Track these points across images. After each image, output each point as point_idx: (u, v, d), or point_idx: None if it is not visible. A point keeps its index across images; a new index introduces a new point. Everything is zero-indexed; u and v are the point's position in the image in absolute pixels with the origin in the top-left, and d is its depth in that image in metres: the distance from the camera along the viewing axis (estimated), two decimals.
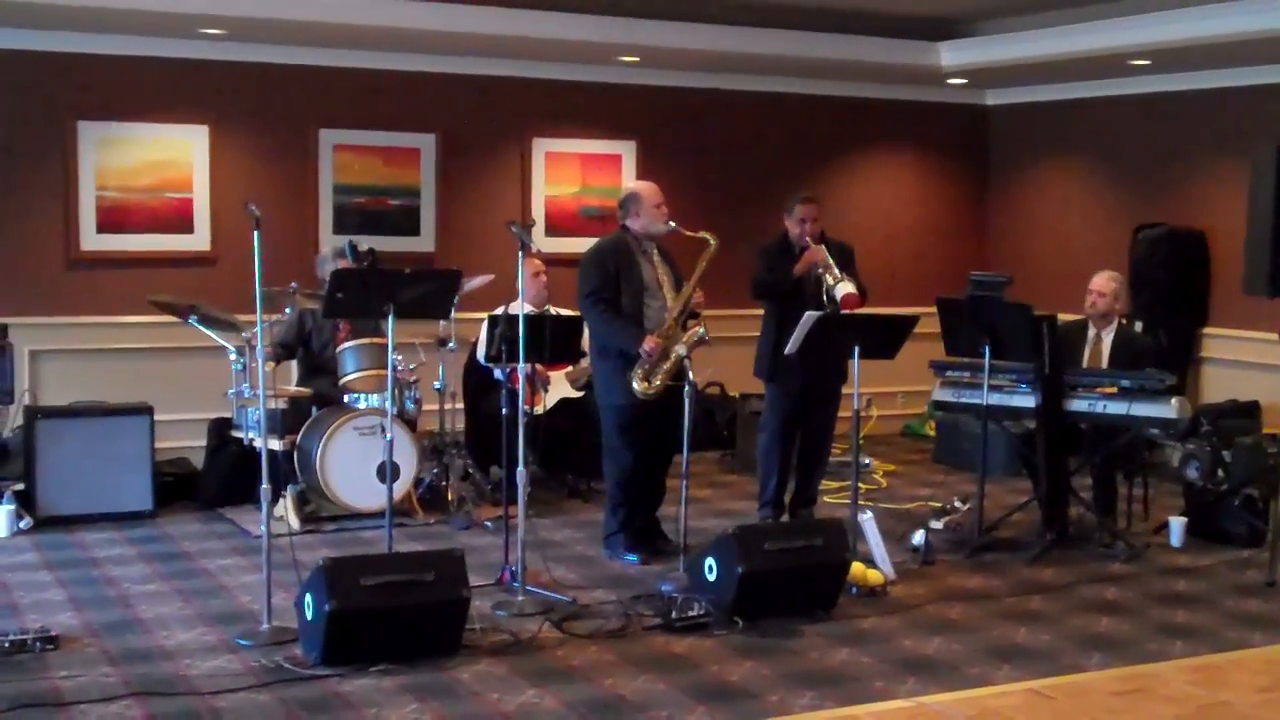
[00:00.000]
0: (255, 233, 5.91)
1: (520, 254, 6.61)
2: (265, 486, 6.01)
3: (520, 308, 6.75)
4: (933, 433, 11.02)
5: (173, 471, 8.65)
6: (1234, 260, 9.57)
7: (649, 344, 7.07)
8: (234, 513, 8.26)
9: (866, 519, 7.07)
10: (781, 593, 6.35)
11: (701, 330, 7.15)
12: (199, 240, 9.45)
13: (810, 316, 7.10)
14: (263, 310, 6.18)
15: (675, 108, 10.72)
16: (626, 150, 10.58)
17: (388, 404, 6.65)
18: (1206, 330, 10.03)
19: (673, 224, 7.30)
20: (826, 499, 8.59)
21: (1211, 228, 9.92)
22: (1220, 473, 8.94)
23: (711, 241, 7.23)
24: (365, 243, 8.78)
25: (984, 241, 11.90)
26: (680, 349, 7.00)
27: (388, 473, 6.47)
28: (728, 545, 6.33)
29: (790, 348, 7.19)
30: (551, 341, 6.99)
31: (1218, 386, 9.85)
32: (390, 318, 6.26)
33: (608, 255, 7.27)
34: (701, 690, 5.50)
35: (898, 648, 6.06)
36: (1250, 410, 9.49)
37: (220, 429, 8.49)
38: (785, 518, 8.02)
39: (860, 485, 9.03)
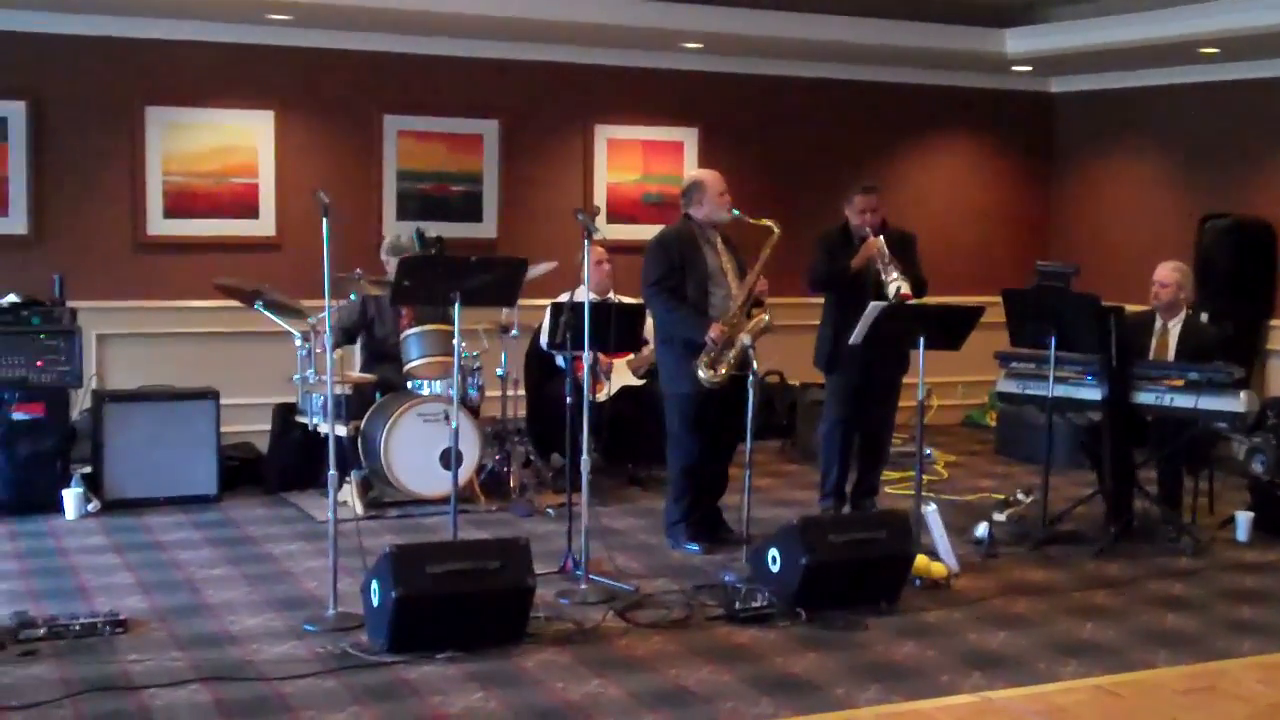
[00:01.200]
0: (324, 220, 5.94)
1: (586, 242, 6.60)
2: (333, 473, 6.04)
3: (585, 295, 6.74)
4: (994, 424, 10.97)
5: (237, 455, 8.72)
6: None
7: (714, 332, 7.05)
8: (298, 498, 8.32)
9: (930, 511, 7.03)
10: (845, 585, 6.33)
11: (766, 318, 7.13)
12: (264, 226, 9.52)
13: (875, 306, 7.07)
14: (329, 296, 6.20)
15: (737, 94, 10.70)
16: (689, 137, 10.56)
17: (453, 391, 6.65)
18: (1274, 322, 9.92)
19: (736, 211, 7.28)
20: (888, 490, 8.55)
21: (1279, 218, 9.81)
22: None
23: (775, 229, 7.20)
24: (430, 229, 8.86)
25: (1047, 230, 11.81)
26: (745, 338, 6.97)
27: (453, 460, 6.48)
28: (792, 536, 6.32)
29: (855, 338, 7.16)
30: (615, 329, 7.00)
31: None
32: (457, 305, 6.29)
33: (672, 244, 7.26)
34: (766, 682, 5.50)
35: (962, 641, 6.02)
36: None
37: (285, 414, 8.54)
38: (847, 508, 7.99)
39: (922, 476, 9.07)
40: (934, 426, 10.96)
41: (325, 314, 7.90)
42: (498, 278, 6.46)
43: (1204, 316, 9.29)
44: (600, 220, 9.97)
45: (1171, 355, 7.90)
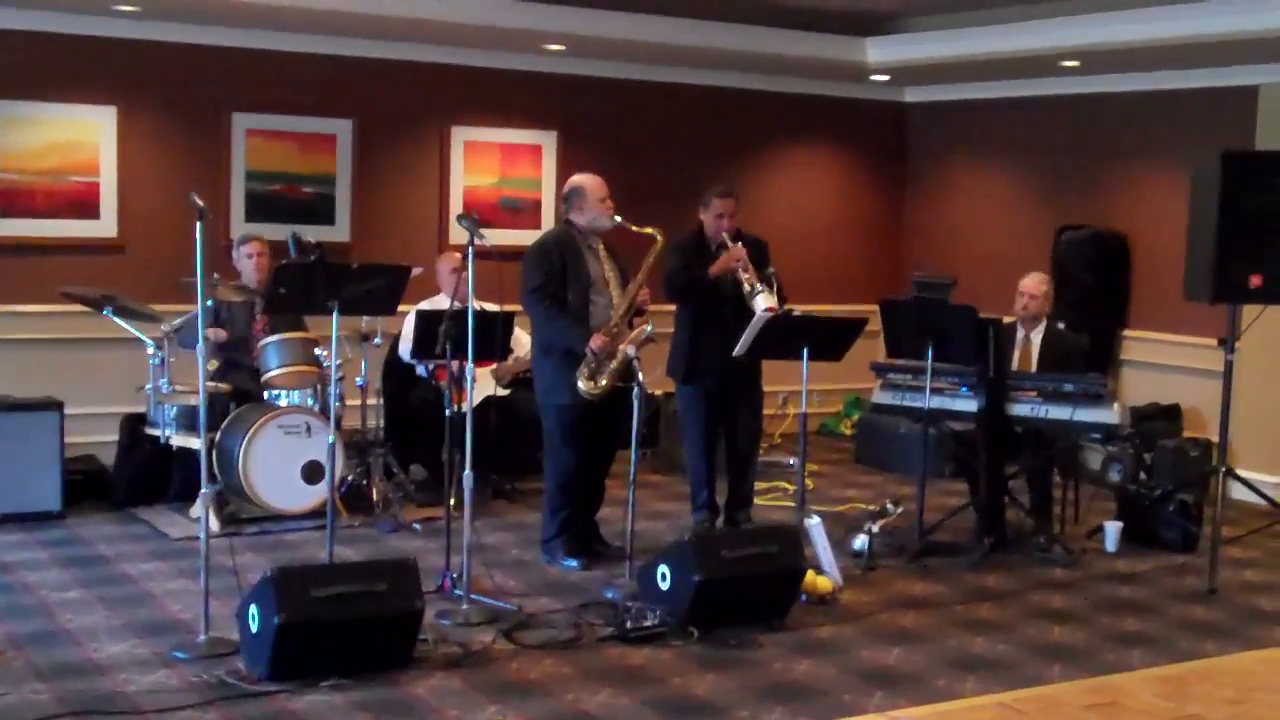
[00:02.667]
0: (199, 224, 5.58)
1: (470, 248, 6.36)
2: (206, 490, 5.74)
3: (469, 303, 6.48)
4: (850, 432, 10.97)
5: (80, 469, 8.25)
6: (1155, 263, 9.70)
7: (596, 343, 6.85)
8: (148, 513, 7.90)
9: (814, 524, 6.93)
10: (737, 601, 6.20)
11: (649, 328, 6.94)
12: (105, 227, 9.02)
13: (761, 317, 6.97)
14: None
15: (598, 98, 10.51)
16: (547, 140, 10.34)
17: (331, 403, 6.44)
18: (1127, 332, 10.06)
19: (618, 218, 7.11)
20: (757, 501, 8.40)
21: (1133, 230, 9.95)
22: (1143, 475, 8.98)
23: (658, 237, 7.06)
24: (270, 231, 8.50)
25: (902, 239, 11.84)
26: (629, 349, 6.77)
27: (329, 476, 6.23)
28: (683, 552, 6.17)
29: (740, 349, 7.04)
30: (500, 338, 6.81)
31: (1137, 388, 9.87)
32: (335, 315, 6.01)
33: (552, 249, 7.05)
34: (667, 706, 5.34)
35: (858, 658, 5.94)
36: (1172, 413, 9.54)
37: (133, 425, 8.11)
38: (720, 520, 7.86)
39: (786, 486, 9.02)
40: (791, 434, 10.90)
41: (179, 320, 7.65)
42: (378, 285, 6.18)
43: (1060, 326, 9.40)
44: (453, 224, 9.72)
45: (1034, 365, 7.94)
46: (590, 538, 7.34)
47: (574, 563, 7.13)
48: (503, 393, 8.46)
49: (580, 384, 6.89)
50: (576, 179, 7.24)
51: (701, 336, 7.56)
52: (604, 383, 6.90)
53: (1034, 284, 8.04)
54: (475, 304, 8.08)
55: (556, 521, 7.23)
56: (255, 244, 8.22)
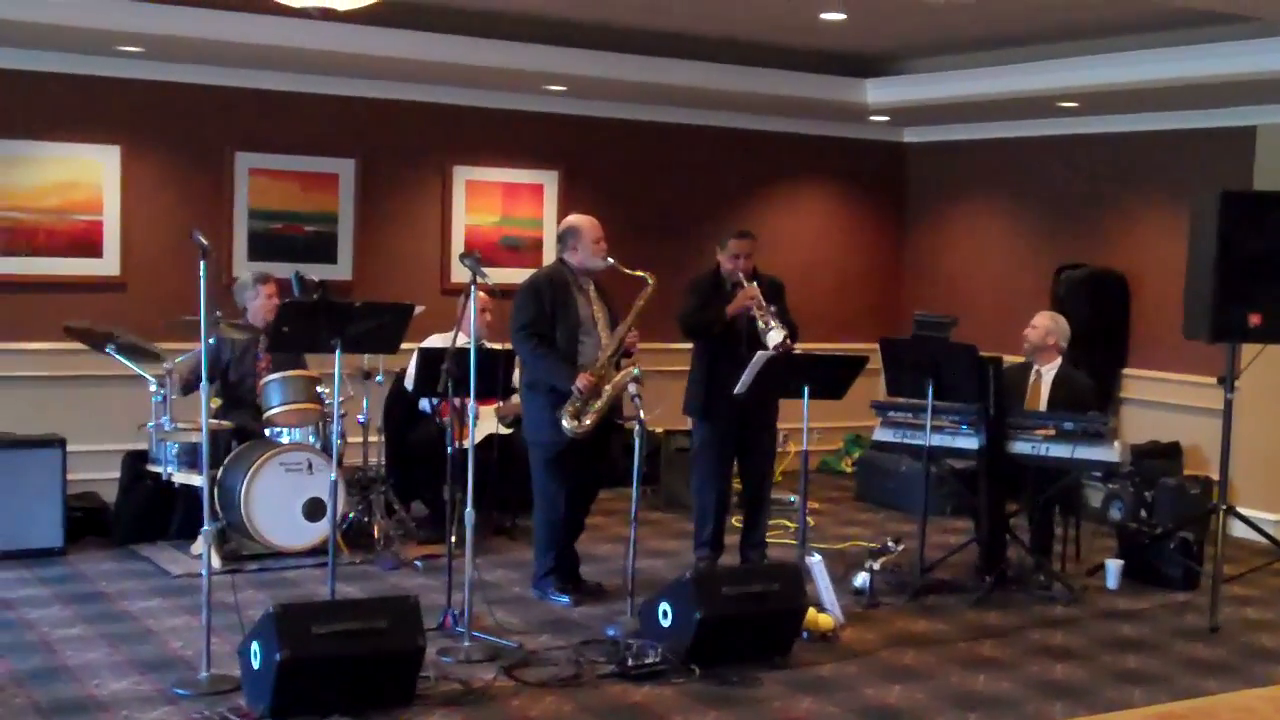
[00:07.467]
0: (203, 263, 5.62)
1: (472, 286, 6.39)
2: (208, 527, 5.75)
3: (472, 341, 6.50)
4: (850, 469, 10.98)
5: (81, 506, 8.25)
6: (1154, 302, 9.73)
7: (582, 382, 6.89)
8: (149, 550, 7.91)
9: (815, 562, 6.93)
10: (739, 639, 6.20)
11: (636, 371, 6.95)
12: (108, 265, 9.07)
13: (761, 356, 6.99)
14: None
15: (599, 138, 10.57)
16: (549, 180, 10.39)
17: (333, 441, 6.42)
18: (1127, 371, 10.09)
19: (611, 260, 7.14)
20: None
21: (1132, 269, 9.99)
22: (1144, 513, 8.98)
23: (649, 281, 7.07)
24: (278, 270, 8.52)
25: (902, 278, 11.89)
26: (631, 385, 6.79)
27: (331, 513, 6.23)
28: (685, 590, 6.17)
29: (740, 388, 7.06)
30: (504, 377, 6.84)
31: (1137, 427, 9.89)
32: (338, 353, 6.04)
33: (544, 288, 7.07)
34: None
35: (860, 696, 5.93)
36: (1172, 451, 9.55)
37: (134, 462, 8.12)
38: (719, 558, 7.86)
39: (787, 524, 9.02)
40: (791, 472, 10.89)
41: (181, 358, 7.69)
42: (381, 323, 6.21)
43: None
44: (455, 263, 9.76)
45: (1044, 404, 7.95)
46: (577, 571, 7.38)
47: (565, 599, 7.15)
48: (505, 431, 8.46)
49: (564, 422, 6.93)
50: (572, 219, 7.29)
51: (717, 374, 7.56)
52: (588, 422, 6.93)
53: (1037, 317, 8.09)
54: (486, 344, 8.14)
55: (550, 558, 7.25)
56: (273, 284, 8.21)
